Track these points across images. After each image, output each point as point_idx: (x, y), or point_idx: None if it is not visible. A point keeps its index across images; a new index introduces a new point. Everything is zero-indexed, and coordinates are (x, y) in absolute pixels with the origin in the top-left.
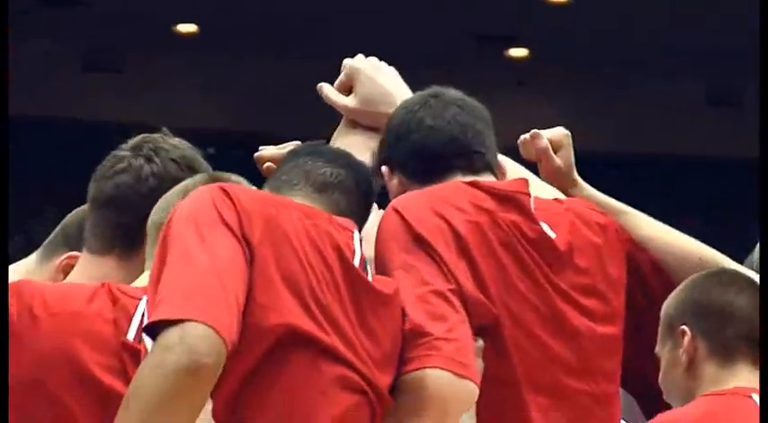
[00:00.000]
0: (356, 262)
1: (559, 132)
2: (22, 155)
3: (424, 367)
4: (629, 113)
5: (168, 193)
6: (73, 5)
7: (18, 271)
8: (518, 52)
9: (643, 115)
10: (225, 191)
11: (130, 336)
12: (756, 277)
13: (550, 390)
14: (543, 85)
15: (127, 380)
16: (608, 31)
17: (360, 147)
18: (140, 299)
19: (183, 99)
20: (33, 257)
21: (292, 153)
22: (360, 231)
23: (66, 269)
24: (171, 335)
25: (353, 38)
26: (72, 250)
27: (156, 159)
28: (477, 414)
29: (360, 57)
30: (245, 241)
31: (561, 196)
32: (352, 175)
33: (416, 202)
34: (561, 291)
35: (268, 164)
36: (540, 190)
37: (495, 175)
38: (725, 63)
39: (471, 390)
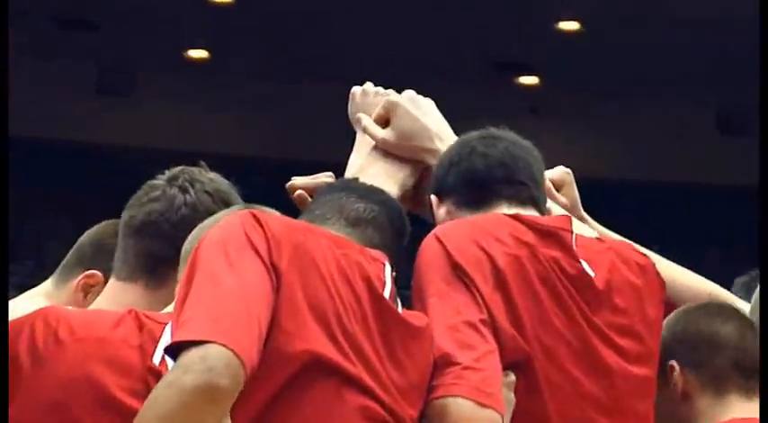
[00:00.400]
0: (386, 293)
1: (561, 171)
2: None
3: (448, 396)
4: (642, 140)
5: (202, 224)
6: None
7: (37, 296)
8: (530, 80)
9: (656, 142)
10: (255, 217)
11: (156, 359)
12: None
13: None
14: (556, 113)
15: None
16: (621, 58)
17: (388, 175)
18: (167, 323)
19: (193, 122)
20: (50, 281)
21: (327, 188)
22: (392, 266)
23: (85, 288)
24: (191, 355)
25: (365, 63)
26: (88, 269)
27: (191, 190)
28: None
29: (404, 93)
30: (273, 267)
31: (605, 232)
32: (386, 211)
33: (458, 232)
34: (597, 329)
35: (300, 192)
36: (583, 229)
37: (542, 212)
38: (736, 89)
39: (494, 419)
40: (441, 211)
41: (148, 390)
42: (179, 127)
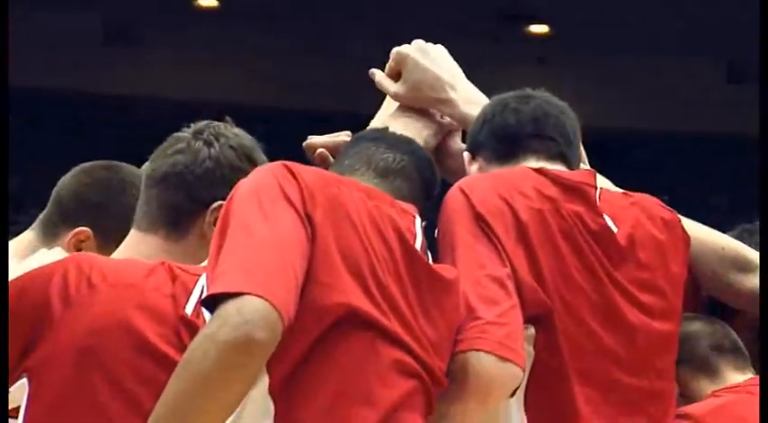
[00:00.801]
0: (417, 246)
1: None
2: (44, 129)
3: (471, 350)
4: (651, 91)
5: None
6: None
7: (20, 249)
8: (539, 29)
9: (665, 92)
10: (288, 168)
11: (189, 309)
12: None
13: (601, 382)
14: (564, 63)
15: (183, 351)
16: (631, 8)
17: (411, 133)
18: (200, 275)
19: (202, 72)
20: (30, 235)
21: (356, 139)
22: (421, 217)
23: (77, 245)
24: (228, 308)
25: (369, 15)
26: (74, 225)
27: (216, 144)
28: (526, 401)
29: (412, 44)
30: (308, 218)
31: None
32: (415, 161)
33: (481, 184)
34: (619, 284)
35: (321, 151)
36: (610, 185)
37: (571, 168)
38: (747, 40)
39: (515, 373)
40: (472, 168)
41: (180, 339)
42: (185, 77)
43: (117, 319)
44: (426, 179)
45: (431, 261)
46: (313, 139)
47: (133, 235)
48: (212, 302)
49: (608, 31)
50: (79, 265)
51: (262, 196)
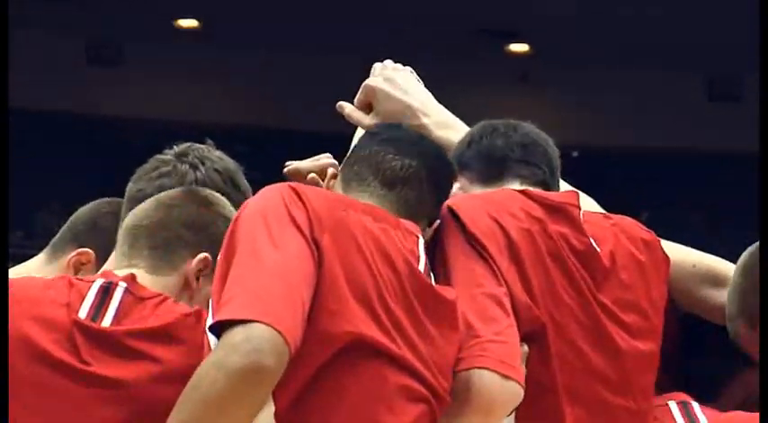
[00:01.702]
0: (421, 268)
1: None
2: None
3: (473, 368)
4: (632, 108)
5: (146, 202)
6: None
7: (27, 269)
8: (519, 47)
9: (645, 110)
10: (295, 190)
11: (82, 314)
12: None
13: (589, 402)
14: (545, 81)
15: (77, 356)
16: (611, 25)
17: None
18: (94, 281)
19: (180, 92)
20: (41, 257)
21: (365, 140)
22: (430, 225)
23: (77, 265)
24: (236, 334)
25: (352, 33)
26: (80, 246)
27: (202, 168)
28: (517, 418)
29: (376, 69)
30: (315, 243)
31: (606, 213)
32: (423, 163)
33: (471, 204)
34: (603, 305)
35: (313, 176)
36: (590, 206)
37: None
38: (726, 56)
39: (516, 391)
40: (455, 187)
41: (74, 343)
42: (167, 97)
43: (16, 333)
44: (437, 181)
45: (433, 282)
46: (298, 165)
47: (114, 257)
48: (218, 328)
49: (589, 48)
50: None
51: (270, 220)
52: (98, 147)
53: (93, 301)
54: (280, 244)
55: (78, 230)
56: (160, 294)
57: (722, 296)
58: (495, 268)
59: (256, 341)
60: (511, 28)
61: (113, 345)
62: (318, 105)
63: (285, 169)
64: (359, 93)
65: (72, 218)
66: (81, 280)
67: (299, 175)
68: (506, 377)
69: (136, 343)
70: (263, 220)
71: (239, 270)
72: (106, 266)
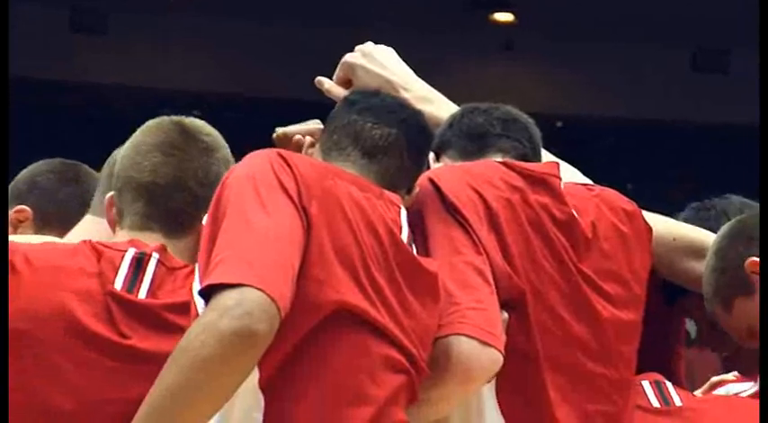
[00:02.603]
0: (404, 238)
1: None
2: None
3: (452, 334)
4: (617, 78)
5: (144, 147)
6: None
7: None
8: (504, 16)
9: (631, 80)
10: (283, 157)
11: (118, 285)
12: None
13: (569, 370)
14: (530, 50)
15: (114, 327)
16: None
17: None
18: (125, 250)
19: (168, 61)
20: None
21: (345, 106)
22: (409, 192)
23: (14, 223)
24: (227, 298)
25: (343, 6)
26: (20, 205)
27: None
28: (497, 386)
29: (357, 51)
30: (303, 211)
31: (591, 183)
32: (404, 131)
33: (451, 174)
34: (584, 274)
35: (298, 137)
36: (575, 177)
37: None
38: (712, 30)
39: (496, 358)
40: (438, 166)
41: (111, 314)
42: (152, 65)
43: (50, 304)
44: (418, 147)
45: (415, 253)
46: (286, 130)
47: (89, 219)
48: (208, 292)
49: (574, 17)
50: None
51: (259, 185)
52: (82, 115)
53: (128, 272)
54: (270, 209)
55: (19, 190)
56: (188, 265)
57: (702, 267)
58: (475, 237)
59: (248, 305)
60: None
61: (152, 318)
62: (305, 75)
63: (274, 135)
64: (338, 69)
65: (14, 179)
66: (106, 246)
67: (287, 140)
68: (485, 344)
69: (173, 317)
70: (252, 184)
71: (229, 234)
72: (92, 212)
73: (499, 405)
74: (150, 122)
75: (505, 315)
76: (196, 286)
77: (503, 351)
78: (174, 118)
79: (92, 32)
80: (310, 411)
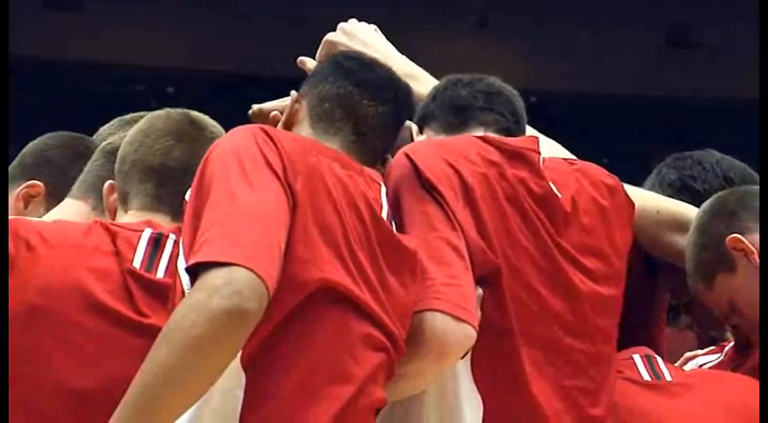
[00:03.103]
0: (384, 215)
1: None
2: None
3: (425, 310)
4: (590, 54)
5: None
6: None
7: None
8: None
9: (604, 56)
10: (267, 132)
11: (136, 263)
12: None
13: (546, 345)
14: (504, 27)
15: (133, 305)
16: None
17: None
18: (141, 230)
19: (144, 37)
20: None
21: (339, 71)
22: (385, 163)
23: (26, 198)
24: (216, 277)
25: None
26: (29, 179)
27: None
28: (472, 362)
29: (338, 29)
30: (289, 188)
31: (573, 158)
32: (394, 110)
33: (427, 150)
34: (563, 249)
35: (275, 113)
36: (554, 152)
37: None
38: (683, 4)
39: (469, 333)
40: (420, 139)
41: (130, 293)
42: (123, 41)
43: (66, 280)
44: (399, 127)
45: (395, 230)
46: (261, 106)
47: (68, 202)
48: (194, 269)
49: None
50: (15, 230)
51: (245, 161)
52: (57, 92)
53: (146, 252)
54: (256, 185)
55: (26, 164)
56: None
57: (686, 241)
58: (450, 213)
59: (238, 285)
60: None
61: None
62: (279, 51)
63: (250, 111)
64: (320, 48)
65: (20, 154)
66: (120, 226)
67: (263, 116)
68: (459, 319)
69: None
70: (237, 159)
71: (215, 211)
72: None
73: (474, 380)
74: (158, 112)
75: (480, 291)
76: (182, 263)
77: (476, 327)
78: (182, 109)
79: (65, 8)
80: (291, 389)
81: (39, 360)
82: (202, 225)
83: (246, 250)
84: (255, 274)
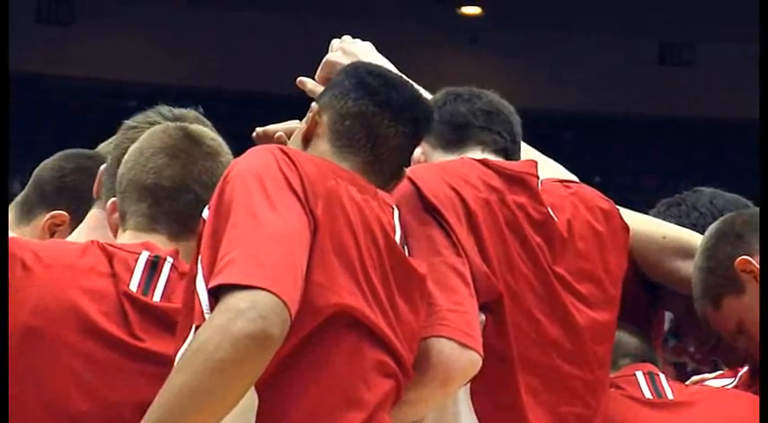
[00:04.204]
0: (397, 240)
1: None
2: None
3: (431, 336)
4: (583, 71)
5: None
6: None
7: None
8: (471, 10)
9: (597, 73)
10: (286, 154)
11: (133, 286)
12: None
13: (544, 372)
14: (496, 44)
15: (128, 328)
16: None
17: None
18: (138, 252)
19: (133, 52)
20: (10, 219)
21: (362, 88)
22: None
23: (52, 229)
24: (240, 300)
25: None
26: (51, 208)
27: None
28: (471, 388)
29: (334, 45)
30: (311, 211)
31: (573, 178)
32: (413, 131)
33: (429, 173)
34: (559, 276)
35: (280, 134)
36: (555, 170)
37: None
38: (678, 24)
39: (475, 360)
40: (416, 152)
41: (124, 315)
42: (117, 57)
43: (61, 300)
44: (414, 148)
45: (407, 254)
46: (265, 128)
47: (98, 213)
48: (217, 290)
49: (539, 10)
50: (10, 248)
51: (266, 181)
52: (47, 106)
53: (142, 275)
54: (278, 207)
55: (45, 191)
56: None
57: (690, 267)
58: (455, 238)
59: (262, 309)
60: None
61: (166, 321)
62: (276, 67)
63: (254, 133)
64: (319, 69)
65: (35, 178)
66: (117, 247)
67: (268, 138)
68: (465, 346)
69: None
70: (258, 180)
71: (237, 231)
72: (92, 219)
73: (474, 407)
74: (155, 127)
75: (482, 317)
76: (200, 283)
77: (482, 353)
78: (179, 124)
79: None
80: (303, 414)
81: (32, 382)
82: (224, 245)
83: (270, 273)
84: (279, 298)
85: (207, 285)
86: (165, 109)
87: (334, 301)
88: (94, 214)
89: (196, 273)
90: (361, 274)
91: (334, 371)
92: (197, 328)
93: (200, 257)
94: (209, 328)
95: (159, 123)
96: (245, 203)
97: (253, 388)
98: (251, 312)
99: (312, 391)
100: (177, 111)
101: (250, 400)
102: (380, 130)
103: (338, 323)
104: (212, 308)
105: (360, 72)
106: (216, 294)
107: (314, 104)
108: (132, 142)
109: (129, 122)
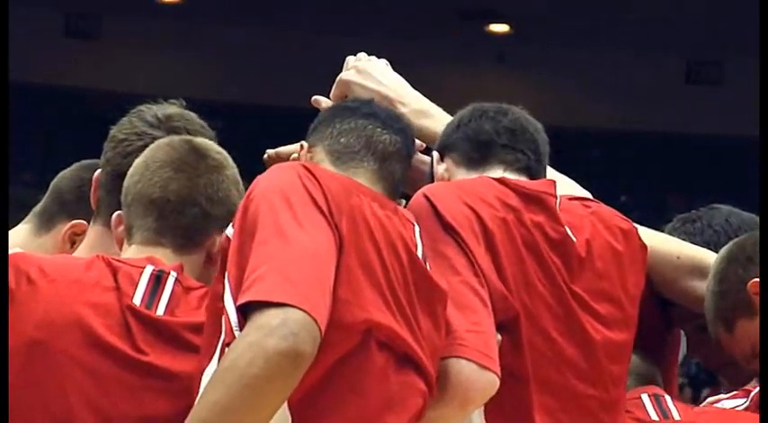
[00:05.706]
0: (419, 255)
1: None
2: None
3: (452, 357)
4: (610, 90)
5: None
6: None
7: (17, 242)
8: (499, 27)
9: (624, 91)
10: (310, 171)
11: (137, 300)
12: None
13: (559, 391)
14: (523, 61)
15: (131, 342)
16: (591, 6)
17: None
18: (142, 267)
19: (160, 67)
20: (27, 227)
21: (345, 111)
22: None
23: (72, 238)
24: (272, 317)
25: (335, 11)
26: (71, 218)
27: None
28: (486, 407)
29: (349, 63)
30: (336, 228)
31: (588, 196)
32: (405, 140)
33: (447, 192)
34: (577, 295)
35: (294, 156)
36: (572, 190)
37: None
38: (705, 41)
39: (493, 381)
40: (440, 168)
41: (128, 329)
42: (146, 71)
43: (66, 314)
44: (410, 160)
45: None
46: (277, 150)
47: (101, 231)
48: (246, 306)
49: (566, 28)
50: (16, 263)
51: (292, 199)
52: (73, 120)
53: (146, 289)
54: (305, 224)
55: (65, 201)
56: (203, 286)
57: (704, 287)
58: (472, 257)
59: (294, 326)
60: (491, 7)
61: (170, 335)
62: (295, 82)
63: (265, 155)
64: (334, 87)
65: (54, 187)
66: (121, 262)
67: (280, 160)
68: (483, 367)
69: (192, 336)
70: (283, 197)
71: (265, 248)
72: (94, 231)
73: None
74: (160, 141)
75: (499, 337)
76: (228, 299)
77: (499, 374)
78: (185, 137)
79: (84, 37)
80: None
81: (37, 395)
82: (252, 261)
83: (300, 290)
84: (309, 315)
85: (235, 302)
86: (148, 114)
87: (363, 317)
88: (95, 231)
89: (223, 290)
90: (388, 290)
91: (367, 392)
92: (226, 344)
93: (226, 274)
94: (242, 344)
95: (147, 133)
96: (272, 220)
97: (286, 406)
98: (283, 329)
99: (344, 413)
100: (161, 112)
101: (283, 418)
102: (376, 137)
103: (370, 342)
104: (241, 324)
105: (332, 107)
106: (245, 311)
107: (302, 143)
108: (124, 157)
109: (117, 134)
